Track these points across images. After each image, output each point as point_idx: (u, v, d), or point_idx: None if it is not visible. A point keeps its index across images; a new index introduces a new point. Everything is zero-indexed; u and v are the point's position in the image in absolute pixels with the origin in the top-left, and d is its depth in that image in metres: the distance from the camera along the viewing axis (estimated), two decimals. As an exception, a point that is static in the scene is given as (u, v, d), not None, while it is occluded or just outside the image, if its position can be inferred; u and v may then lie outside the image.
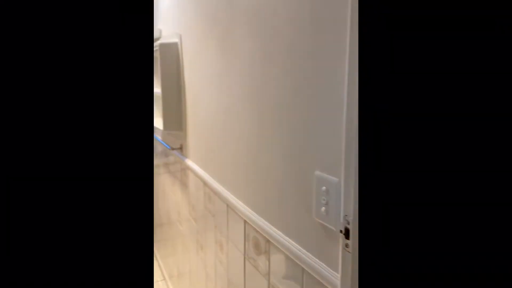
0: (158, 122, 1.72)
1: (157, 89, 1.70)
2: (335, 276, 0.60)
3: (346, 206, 0.55)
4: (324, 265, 0.63)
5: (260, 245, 0.88)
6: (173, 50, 1.45)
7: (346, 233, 0.55)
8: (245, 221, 0.95)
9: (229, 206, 1.06)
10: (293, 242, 0.73)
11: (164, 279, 2.24)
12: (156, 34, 1.83)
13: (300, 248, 0.70)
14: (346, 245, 0.55)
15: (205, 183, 1.26)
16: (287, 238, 0.75)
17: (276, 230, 0.79)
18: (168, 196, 1.99)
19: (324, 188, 0.61)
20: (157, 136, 1.98)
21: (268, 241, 0.83)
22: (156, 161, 2.35)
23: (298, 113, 0.68)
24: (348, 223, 0.54)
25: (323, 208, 0.61)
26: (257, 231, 0.88)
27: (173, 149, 1.61)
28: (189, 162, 1.44)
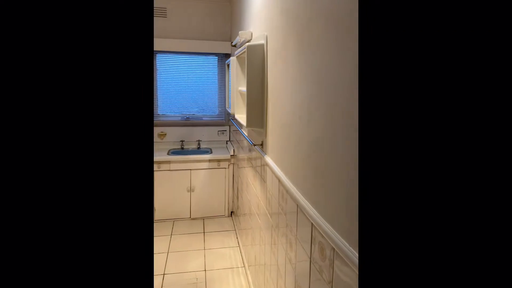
0: (242, 118, 1.83)
1: (243, 88, 1.81)
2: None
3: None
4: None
5: (325, 251, 0.86)
6: (259, 51, 1.51)
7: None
8: (312, 225, 0.94)
9: (299, 207, 1.05)
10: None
11: (244, 266, 2.40)
12: (247, 36, 1.94)
13: (364, 262, 0.66)
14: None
15: (280, 181, 1.29)
16: (352, 249, 0.71)
17: (342, 240, 0.76)
18: (250, 189, 2.11)
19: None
20: (243, 131, 2.11)
21: (333, 248, 0.80)
22: (242, 155, 2.51)
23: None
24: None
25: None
26: (323, 237, 0.86)
27: (254, 145, 1.69)
28: (268, 159, 1.49)
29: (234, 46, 2.46)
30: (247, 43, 1.56)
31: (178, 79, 3.27)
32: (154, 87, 3.21)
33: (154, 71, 3.20)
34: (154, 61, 3.18)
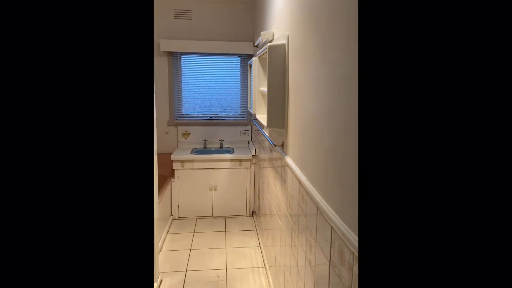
0: (263, 119, 1.83)
1: (264, 88, 1.81)
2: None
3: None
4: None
5: (344, 255, 0.84)
6: (280, 51, 1.50)
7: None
8: (332, 228, 0.92)
9: (318, 209, 1.04)
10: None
11: (264, 266, 2.40)
12: (269, 36, 1.93)
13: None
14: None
15: (300, 182, 1.28)
16: (371, 254, 0.69)
17: (361, 244, 0.74)
18: (271, 189, 2.10)
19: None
20: (265, 132, 2.11)
21: (352, 253, 0.78)
22: (263, 155, 2.51)
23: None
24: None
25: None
26: (342, 240, 0.84)
27: (275, 145, 1.68)
28: (288, 160, 1.48)
29: (256, 46, 2.47)
30: (268, 43, 1.56)
31: (202, 80, 3.33)
32: (179, 87, 3.29)
33: (179, 72, 3.28)
34: (179, 63, 3.26)
